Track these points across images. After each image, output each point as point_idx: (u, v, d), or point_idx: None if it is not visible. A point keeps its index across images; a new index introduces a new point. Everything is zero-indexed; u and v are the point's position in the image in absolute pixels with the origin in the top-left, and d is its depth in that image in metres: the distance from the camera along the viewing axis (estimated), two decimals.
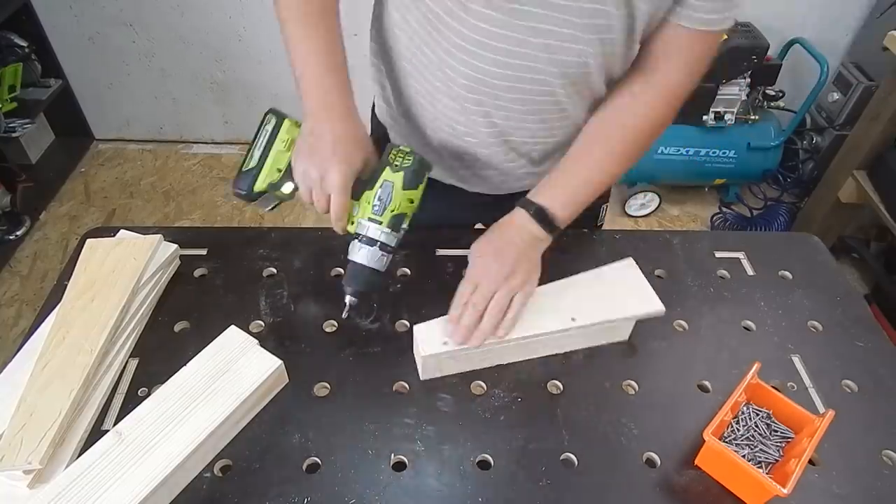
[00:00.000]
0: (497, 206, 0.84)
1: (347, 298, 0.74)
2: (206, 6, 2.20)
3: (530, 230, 0.75)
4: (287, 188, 0.77)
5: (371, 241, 0.73)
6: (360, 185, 0.74)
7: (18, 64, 2.13)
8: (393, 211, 0.73)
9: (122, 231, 0.86)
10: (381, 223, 0.73)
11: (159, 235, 0.84)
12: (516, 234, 0.76)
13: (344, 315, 0.74)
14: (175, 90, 2.45)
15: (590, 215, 0.99)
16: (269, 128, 0.76)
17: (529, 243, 0.76)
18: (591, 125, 0.79)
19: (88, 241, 0.83)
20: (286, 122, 0.77)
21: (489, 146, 0.83)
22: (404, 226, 0.76)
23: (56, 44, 2.28)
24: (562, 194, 0.77)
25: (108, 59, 2.34)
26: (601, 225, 1.06)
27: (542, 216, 0.75)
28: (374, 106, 0.97)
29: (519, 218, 0.76)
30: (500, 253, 0.74)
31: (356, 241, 0.74)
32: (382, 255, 0.74)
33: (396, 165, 0.74)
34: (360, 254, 0.74)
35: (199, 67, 2.38)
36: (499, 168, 0.88)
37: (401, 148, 0.75)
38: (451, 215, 0.92)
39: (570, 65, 0.71)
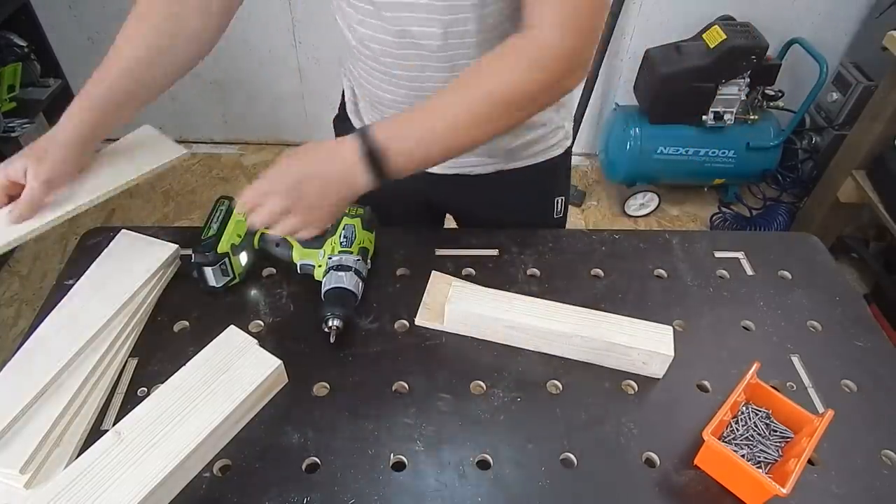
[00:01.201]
0: (442, 181, 0.92)
1: (334, 323, 0.75)
2: None
3: (353, 172, 0.66)
4: (243, 258, 0.82)
5: (346, 268, 0.79)
6: (317, 239, 0.80)
7: (18, 64, 2.12)
8: (360, 244, 0.82)
9: (123, 231, 0.86)
10: (352, 253, 0.80)
11: (176, 246, 0.84)
12: (334, 170, 0.67)
13: (332, 340, 0.75)
14: (175, 90, 2.43)
15: (543, 207, 1.01)
16: (224, 208, 0.83)
17: (340, 185, 0.67)
18: (456, 83, 0.69)
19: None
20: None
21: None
22: (369, 259, 0.84)
23: (55, 43, 2.28)
24: (406, 145, 0.67)
25: None
26: (560, 218, 1.04)
27: (374, 159, 0.65)
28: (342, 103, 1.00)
29: (348, 152, 0.66)
30: (298, 186, 0.66)
31: (330, 272, 0.79)
32: (357, 280, 0.79)
33: (351, 215, 0.84)
34: (338, 278, 0.78)
35: (199, 67, 2.36)
36: None
37: (353, 206, 0.85)
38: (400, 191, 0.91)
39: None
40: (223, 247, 0.78)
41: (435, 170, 0.91)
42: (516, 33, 0.68)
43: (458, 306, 0.77)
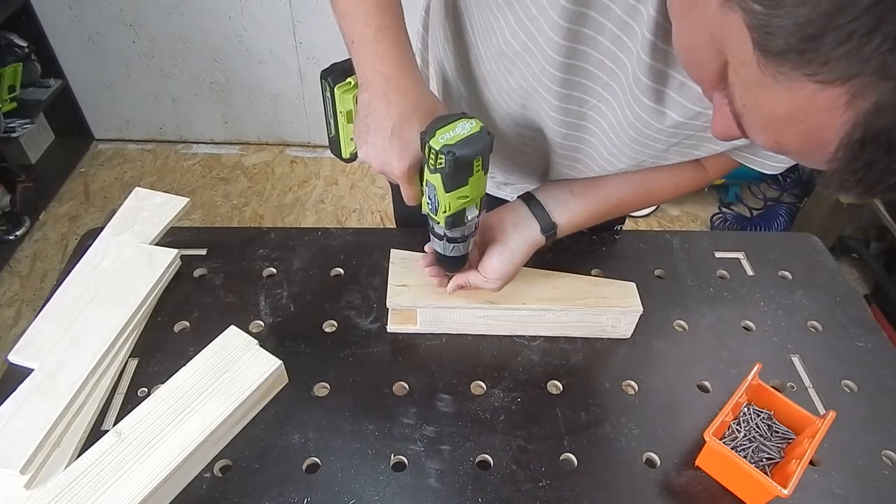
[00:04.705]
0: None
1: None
2: (206, 6, 2.20)
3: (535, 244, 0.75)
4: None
5: (438, 236, 0.70)
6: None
7: (18, 64, 2.13)
8: (445, 212, 0.65)
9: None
10: (438, 222, 0.67)
11: (176, 251, 0.84)
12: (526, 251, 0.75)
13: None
14: (175, 90, 2.45)
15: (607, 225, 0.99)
16: (328, 96, 0.71)
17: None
18: (635, 186, 0.77)
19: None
20: (337, 91, 0.70)
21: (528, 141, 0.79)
22: (470, 216, 0.67)
23: (56, 44, 2.28)
24: (576, 217, 0.76)
25: (108, 60, 2.34)
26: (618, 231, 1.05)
27: (552, 235, 0.75)
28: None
29: (534, 234, 0.75)
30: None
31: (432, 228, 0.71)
32: (453, 245, 0.70)
33: (431, 166, 0.61)
34: (433, 244, 0.72)
35: (199, 67, 2.38)
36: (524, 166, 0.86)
37: (430, 145, 0.59)
38: None
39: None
40: (345, 152, 0.74)
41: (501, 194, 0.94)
42: (692, 165, 0.75)
43: (428, 311, 0.77)
